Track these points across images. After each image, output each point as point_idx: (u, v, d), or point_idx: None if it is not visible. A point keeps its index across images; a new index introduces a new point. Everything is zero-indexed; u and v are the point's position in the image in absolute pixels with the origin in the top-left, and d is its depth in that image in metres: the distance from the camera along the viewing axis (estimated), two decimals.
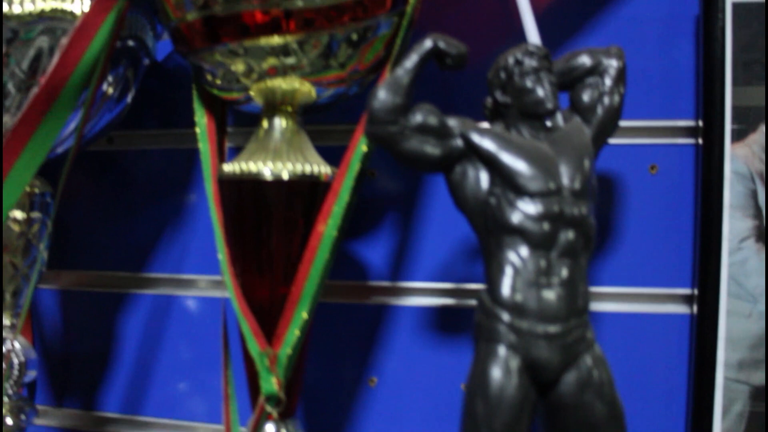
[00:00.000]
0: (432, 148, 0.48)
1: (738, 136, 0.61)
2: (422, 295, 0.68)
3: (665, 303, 0.65)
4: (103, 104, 0.63)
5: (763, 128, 0.61)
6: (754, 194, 0.62)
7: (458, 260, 0.67)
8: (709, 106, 0.62)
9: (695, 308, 0.63)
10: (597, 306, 0.65)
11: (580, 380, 0.47)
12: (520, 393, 0.46)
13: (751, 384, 0.61)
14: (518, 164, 0.48)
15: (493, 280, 0.47)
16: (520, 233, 0.47)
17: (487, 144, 0.48)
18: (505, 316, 0.46)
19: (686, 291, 0.64)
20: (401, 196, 0.69)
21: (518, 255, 0.47)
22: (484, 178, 0.49)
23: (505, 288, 0.47)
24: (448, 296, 0.68)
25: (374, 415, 0.69)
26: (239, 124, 0.71)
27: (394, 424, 0.68)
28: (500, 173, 0.48)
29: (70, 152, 0.60)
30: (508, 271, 0.47)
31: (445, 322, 0.68)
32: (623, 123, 0.64)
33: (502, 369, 0.46)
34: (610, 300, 0.65)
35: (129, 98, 0.66)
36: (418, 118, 0.48)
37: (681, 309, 0.65)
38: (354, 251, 0.69)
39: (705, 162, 0.62)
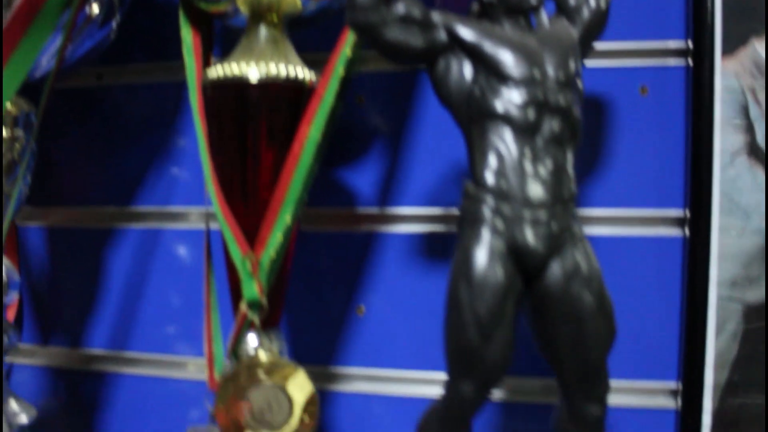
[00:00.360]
0: (415, 40, 0.48)
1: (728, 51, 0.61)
2: (411, 222, 0.67)
3: (657, 226, 0.64)
4: (86, 27, 0.63)
5: (754, 42, 0.61)
6: (745, 109, 0.61)
7: (447, 186, 0.67)
8: (699, 23, 0.62)
9: (687, 230, 0.62)
10: (588, 230, 0.64)
11: (567, 271, 0.46)
12: (505, 278, 0.45)
13: (745, 302, 0.60)
14: (502, 52, 0.47)
15: (476, 166, 0.47)
16: (505, 120, 0.46)
17: (471, 33, 0.48)
18: (490, 201, 0.45)
19: (679, 213, 0.63)
20: (389, 121, 0.68)
21: (503, 141, 0.46)
22: (467, 70, 0.48)
23: (489, 173, 0.46)
24: (437, 222, 0.67)
25: (362, 343, 0.68)
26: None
27: (383, 352, 0.67)
28: (484, 61, 0.47)
29: (51, 75, 0.59)
30: (492, 157, 0.46)
31: (434, 249, 0.67)
32: (613, 45, 0.65)
33: (486, 252, 0.45)
34: (602, 224, 0.65)
35: (114, 24, 0.66)
36: (400, 8, 0.47)
37: (673, 232, 0.64)
38: (342, 178, 0.69)
39: (695, 77, 0.61)
